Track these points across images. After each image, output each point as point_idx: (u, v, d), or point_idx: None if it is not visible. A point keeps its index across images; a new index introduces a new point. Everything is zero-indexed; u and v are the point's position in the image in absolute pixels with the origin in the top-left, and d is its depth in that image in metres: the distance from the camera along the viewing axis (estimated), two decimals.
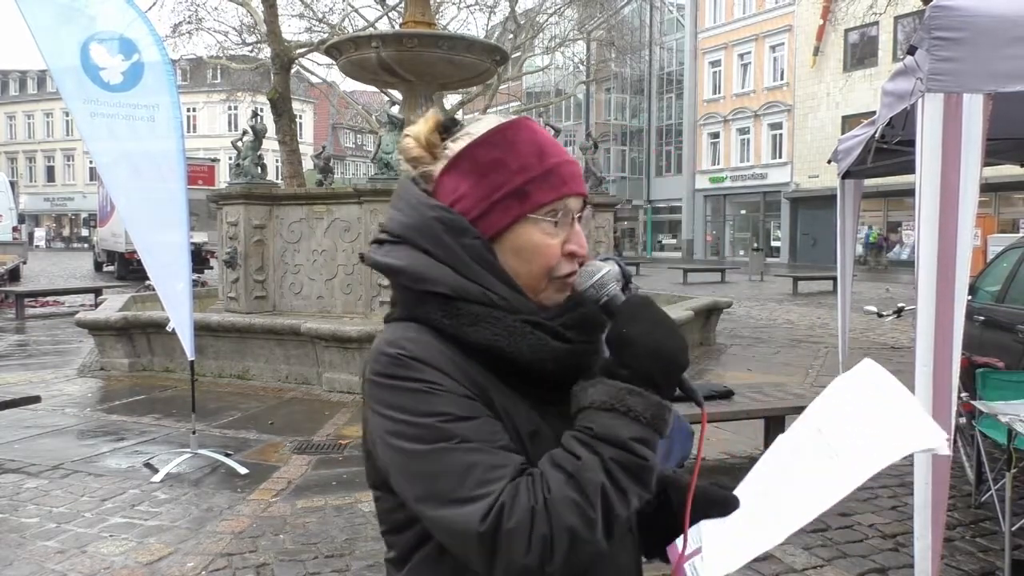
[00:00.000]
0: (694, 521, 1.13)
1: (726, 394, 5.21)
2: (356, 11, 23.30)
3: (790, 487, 1.10)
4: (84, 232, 52.79)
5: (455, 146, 1.09)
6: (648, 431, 0.97)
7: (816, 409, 1.18)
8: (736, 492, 1.16)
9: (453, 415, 0.96)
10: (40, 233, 51.95)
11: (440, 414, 0.96)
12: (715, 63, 40.00)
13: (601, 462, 0.94)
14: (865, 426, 1.07)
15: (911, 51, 2.62)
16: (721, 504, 1.13)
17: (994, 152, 4.46)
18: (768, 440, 5.26)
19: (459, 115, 28.68)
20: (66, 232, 58.35)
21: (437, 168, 1.10)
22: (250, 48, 23.28)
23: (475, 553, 0.93)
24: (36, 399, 6.01)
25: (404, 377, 0.98)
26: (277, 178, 19.99)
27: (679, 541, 1.11)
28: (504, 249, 1.06)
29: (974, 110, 2.45)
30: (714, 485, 1.15)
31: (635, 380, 0.98)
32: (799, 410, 5.53)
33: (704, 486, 1.15)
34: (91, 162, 44.30)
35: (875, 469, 1.00)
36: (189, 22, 21.36)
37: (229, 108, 45.52)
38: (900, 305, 5.48)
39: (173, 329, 5.48)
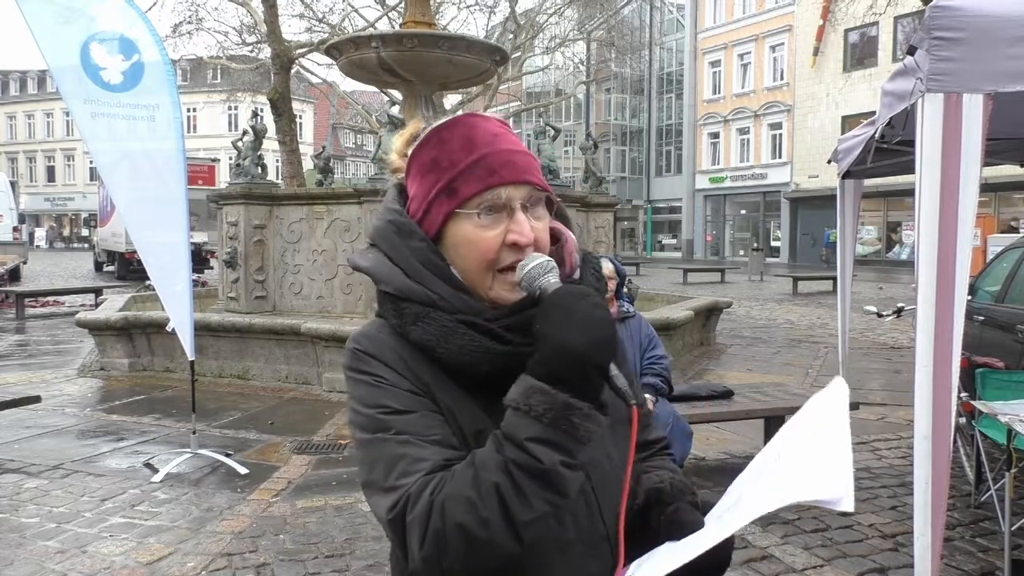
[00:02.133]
0: (659, 542, 1.07)
1: (726, 394, 5.21)
2: (356, 11, 23.32)
3: (731, 500, 1.05)
4: (84, 232, 52.79)
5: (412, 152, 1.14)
6: (551, 432, 0.92)
7: (785, 431, 1.11)
8: (712, 512, 1.09)
9: (392, 408, 1.01)
10: (40, 233, 51.95)
11: (381, 406, 1.01)
12: (715, 63, 39.98)
13: (502, 461, 0.92)
14: (795, 455, 1.01)
15: (911, 51, 2.61)
16: (687, 527, 1.06)
17: (994, 152, 4.46)
18: (768, 440, 5.26)
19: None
20: (66, 232, 58.35)
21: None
22: (250, 48, 23.28)
23: (392, 540, 0.98)
24: (36, 399, 6.00)
25: (358, 370, 1.05)
26: (277, 178, 19.94)
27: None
28: (446, 247, 1.08)
29: (974, 110, 2.45)
30: (689, 505, 1.10)
31: (548, 378, 0.94)
32: (799, 410, 5.59)
33: (678, 506, 1.10)
34: (91, 162, 44.30)
35: (779, 504, 0.92)
36: (189, 22, 21.38)
37: (229, 108, 45.47)
38: (900, 305, 5.48)
39: (173, 329, 5.48)
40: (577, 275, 1.14)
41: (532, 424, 0.92)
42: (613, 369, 0.98)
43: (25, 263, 23.18)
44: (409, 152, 1.14)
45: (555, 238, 1.13)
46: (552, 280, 1.02)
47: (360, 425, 1.03)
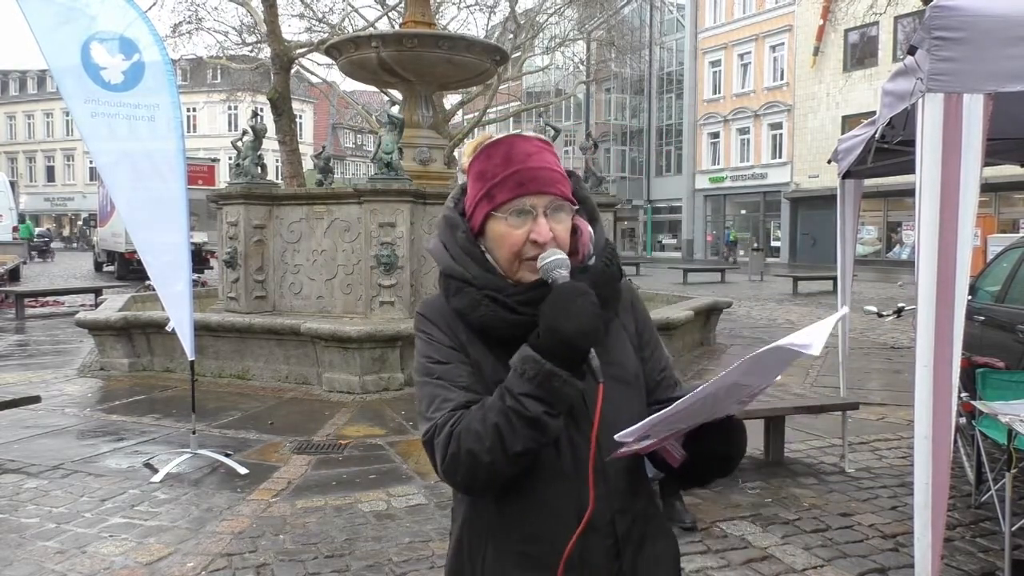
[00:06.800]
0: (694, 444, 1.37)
1: None
2: (356, 11, 23.33)
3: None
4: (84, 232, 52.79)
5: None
6: (538, 390, 1.22)
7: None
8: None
9: (434, 358, 1.36)
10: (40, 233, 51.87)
11: (428, 356, 1.37)
12: (715, 63, 39.97)
13: (502, 407, 1.23)
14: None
15: (911, 51, 2.61)
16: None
17: (994, 152, 4.45)
18: (769, 440, 5.27)
19: (459, 115, 28.68)
20: (66, 232, 58.34)
21: None
22: (250, 48, 23.29)
23: (428, 458, 1.32)
24: (36, 399, 5.99)
25: (419, 328, 1.41)
26: (277, 178, 19.94)
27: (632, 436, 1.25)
28: (486, 239, 1.38)
29: (974, 110, 2.45)
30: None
31: (541, 351, 1.23)
32: (799, 410, 5.48)
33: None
34: (91, 162, 44.25)
35: (762, 350, 1.10)
36: (189, 22, 21.39)
37: (229, 108, 45.49)
38: (900, 305, 5.47)
39: (173, 329, 5.48)
40: (592, 260, 1.40)
41: (525, 383, 1.23)
42: (592, 352, 1.26)
43: (25, 263, 23.19)
44: (471, 159, 1.42)
45: (576, 229, 1.40)
46: (563, 273, 1.29)
47: (416, 369, 1.38)
